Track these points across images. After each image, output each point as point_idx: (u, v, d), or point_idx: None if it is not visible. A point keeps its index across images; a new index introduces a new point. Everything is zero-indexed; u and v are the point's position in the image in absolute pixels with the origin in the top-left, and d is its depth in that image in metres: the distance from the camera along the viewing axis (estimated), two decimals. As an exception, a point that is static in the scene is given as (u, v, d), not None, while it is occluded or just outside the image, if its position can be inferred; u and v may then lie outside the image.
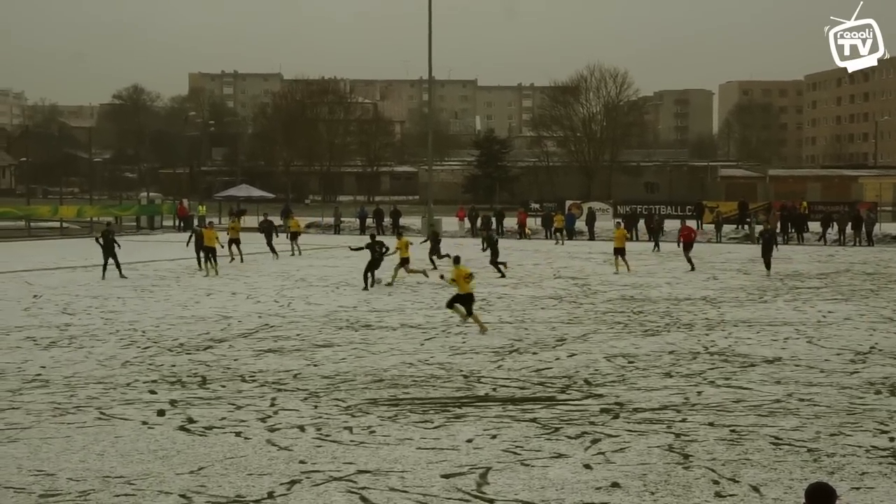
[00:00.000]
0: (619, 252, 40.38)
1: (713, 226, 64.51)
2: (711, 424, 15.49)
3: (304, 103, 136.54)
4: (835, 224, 60.14)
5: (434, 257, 40.32)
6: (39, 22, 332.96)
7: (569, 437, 14.74)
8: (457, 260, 26.84)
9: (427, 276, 36.52)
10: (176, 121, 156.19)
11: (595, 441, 14.54)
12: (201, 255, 40.20)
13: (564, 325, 26.39)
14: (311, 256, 39.56)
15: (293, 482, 12.60)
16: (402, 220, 70.64)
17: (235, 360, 21.14)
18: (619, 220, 50.55)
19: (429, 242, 42.42)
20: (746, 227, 65.75)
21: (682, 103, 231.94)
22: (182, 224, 72.69)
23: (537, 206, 78.64)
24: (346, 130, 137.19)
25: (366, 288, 34.21)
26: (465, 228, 67.86)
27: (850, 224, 59.28)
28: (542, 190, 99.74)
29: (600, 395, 17.63)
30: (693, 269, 40.82)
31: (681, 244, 43.11)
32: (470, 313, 25.30)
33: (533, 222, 68.47)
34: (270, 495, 12.09)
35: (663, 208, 75.53)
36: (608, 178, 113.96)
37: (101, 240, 37.79)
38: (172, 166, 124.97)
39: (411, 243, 38.73)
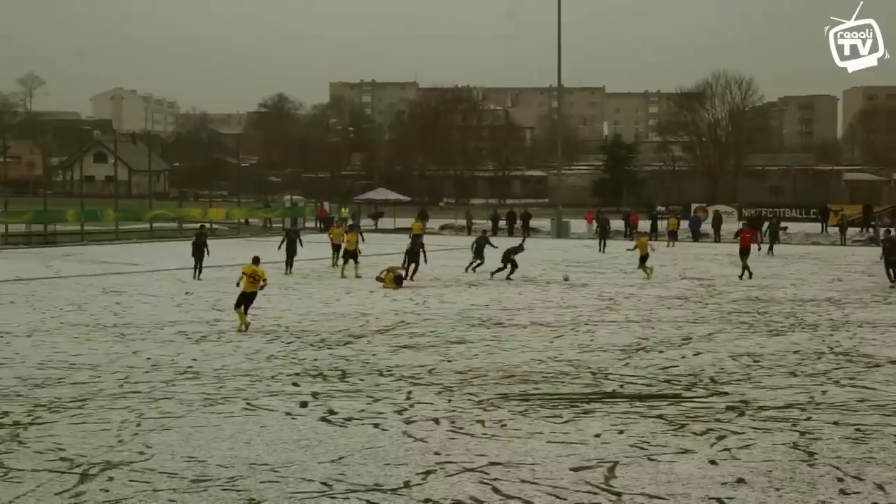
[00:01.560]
0: (643, 259, 38.88)
1: (838, 229, 63.30)
2: (836, 423, 15.20)
3: (438, 110, 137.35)
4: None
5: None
6: (189, 35, 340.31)
7: (695, 434, 14.57)
8: (255, 260, 26.19)
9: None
10: (317, 128, 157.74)
11: (720, 438, 14.35)
12: (293, 259, 39.80)
13: (690, 324, 26.11)
14: (446, 257, 39.71)
15: (428, 472, 12.64)
16: (533, 223, 70.58)
17: (373, 355, 21.29)
18: (639, 231, 49.87)
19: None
20: (871, 230, 64.33)
21: (807, 109, 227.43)
22: (322, 225, 73.45)
23: (663, 209, 77.82)
24: (479, 136, 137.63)
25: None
26: (594, 231, 67.09)
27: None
28: (668, 193, 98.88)
29: (726, 393, 17.41)
30: (750, 276, 37.70)
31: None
32: (239, 306, 24.75)
33: (660, 225, 67.41)
34: (406, 484, 12.14)
35: (788, 211, 74.32)
36: (733, 182, 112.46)
37: (194, 242, 37.82)
38: (314, 171, 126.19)
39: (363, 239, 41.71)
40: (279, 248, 40.27)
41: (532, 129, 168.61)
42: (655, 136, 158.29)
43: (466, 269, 39.60)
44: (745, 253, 38.59)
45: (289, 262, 39.87)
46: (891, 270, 35.92)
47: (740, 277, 37.70)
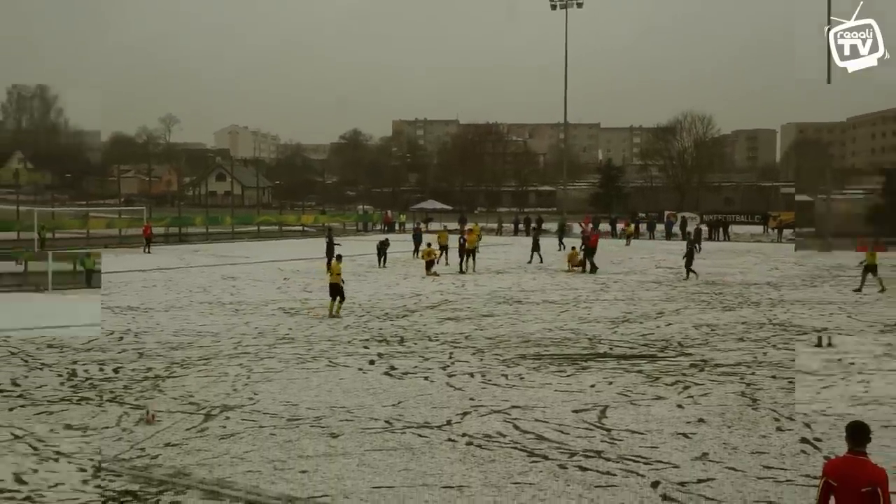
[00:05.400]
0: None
1: (776, 230, 62.99)
2: (774, 377, 15.14)
3: (473, 141, 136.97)
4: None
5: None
6: (291, 80, 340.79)
7: (666, 385, 14.54)
8: (339, 258, 24.61)
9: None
10: (383, 154, 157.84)
11: (686, 388, 14.31)
12: (383, 254, 37.55)
13: (663, 302, 25.95)
14: (479, 252, 39.58)
15: (465, 413, 12.68)
16: (544, 225, 70.14)
17: (424, 325, 21.34)
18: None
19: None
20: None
21: (752, 139, 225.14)
22: (386, 228, 73.46)
23: (643, 215, 77.21)
24: (504, 161, 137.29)
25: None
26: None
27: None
28: (647, 203, 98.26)
29: (690, 354, 17.34)
30: (593, 271, 34.56)
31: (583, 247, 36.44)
32: (338, 299, 22.81)
33: (642, 227, 66.30)
34: (448, 422, 12.20)
35: (738, 217, 73.69)
36: (696, 195, 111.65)
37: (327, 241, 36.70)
38: (380, 187, 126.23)
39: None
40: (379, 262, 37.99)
41: (544, 155, 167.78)
42: (638, 161, 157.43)
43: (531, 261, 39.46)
44: (589, 252, 35.51)
45: (380, 260, 37.60)
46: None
47: (584, 270, 34.88)
